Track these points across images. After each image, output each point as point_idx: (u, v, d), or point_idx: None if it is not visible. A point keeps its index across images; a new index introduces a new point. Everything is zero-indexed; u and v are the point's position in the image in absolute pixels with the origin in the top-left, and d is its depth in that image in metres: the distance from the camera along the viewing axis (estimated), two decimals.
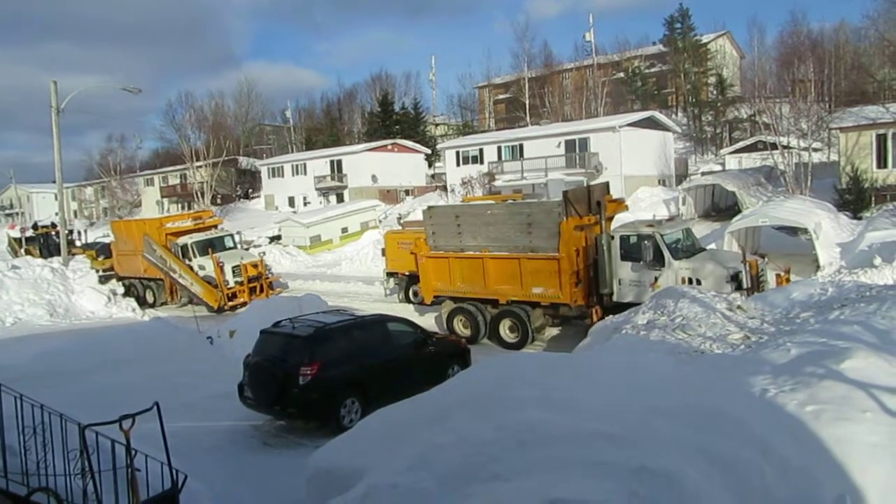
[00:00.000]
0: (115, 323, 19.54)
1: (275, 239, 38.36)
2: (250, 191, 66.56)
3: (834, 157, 35.68)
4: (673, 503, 4.41)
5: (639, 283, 14.84)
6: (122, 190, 70.35)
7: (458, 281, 16.69)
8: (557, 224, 14.84)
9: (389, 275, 22.54)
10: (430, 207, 17.88)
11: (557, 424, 5.56)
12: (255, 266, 23.57)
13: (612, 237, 15.33)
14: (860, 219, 25.90)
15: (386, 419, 7.21)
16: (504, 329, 16.16)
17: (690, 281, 14.29)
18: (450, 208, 18.56)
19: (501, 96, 78.28)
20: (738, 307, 10.87)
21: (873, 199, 28.29)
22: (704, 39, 69.26)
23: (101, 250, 33.93)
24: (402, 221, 24.96)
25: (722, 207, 33.96)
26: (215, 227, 26.13)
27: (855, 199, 28.32)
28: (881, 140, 29.53)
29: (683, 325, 10.11)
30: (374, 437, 6.79)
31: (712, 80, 64.64)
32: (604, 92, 62.80)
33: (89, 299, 22.03)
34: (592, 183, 17.97)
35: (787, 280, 14.68)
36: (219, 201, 59.61)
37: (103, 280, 27.62)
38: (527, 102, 64.44)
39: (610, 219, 15.74)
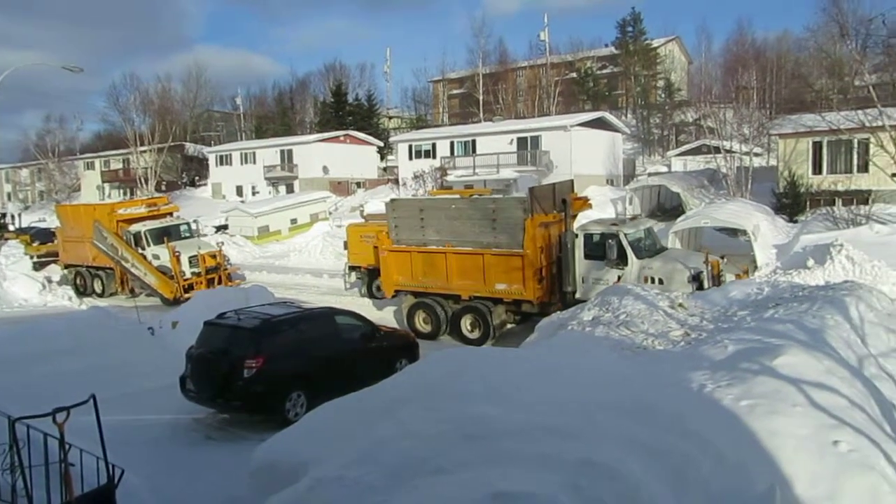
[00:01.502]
0: (49, 311, 18.87)
1: (221, 228, 37.58)
2: (197, 178, 64.95)
3: (773, 162, 36.96)
4: (614, 495, 4.52)
5: (602, 282, 14.91)
6: (61, 173, 67.79)
7: (420, 275, 16.49)
8: (522, 220, 14.79)
9: (352, 268, 22.08)
10: (393, 200, 17.65)
11: (503, 418, 5.62)
12: (213, 257, 22.79)
13: (577, 235, 15.41)
14: (796, 222, 26.93)
15: (332, 413, 7.17)
16: (465, 325, 16.06)
17: (653, 280, 14.50)
18: (414, 202, 18.23)
19: (455, 91, 78.36)
20: (680, 305, 11.16)
21: (808, 203, 29.45)
22: (655, 44, 70.78)
23: (36, 235, 32.63)
24: (364, 214, 24.62)
25: (667, 208, 34.82)
26: (171, 214, 25.16)
27: (792, 203, 29.42)
28: (817, 147, 30.74)
29: (627, 322, 10.33)
30: (319, 430, 6.74)
31: (661, 83, 66.28)
32: (556, 91, 63.57)
33: (22, 286, 21.21)
34: (556, 181, 18.02)
35: (746, 277, 15.06)
36: (163, 188, 57.98)
37: (38, 266, 26.59)
38: (481, 98, 64.69)
39: (574, 217, 15.81)
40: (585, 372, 7.42)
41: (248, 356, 10.40)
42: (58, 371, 12.22)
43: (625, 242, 14.91)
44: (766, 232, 21.97)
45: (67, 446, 5.52)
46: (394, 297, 17.72)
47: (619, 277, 14.71)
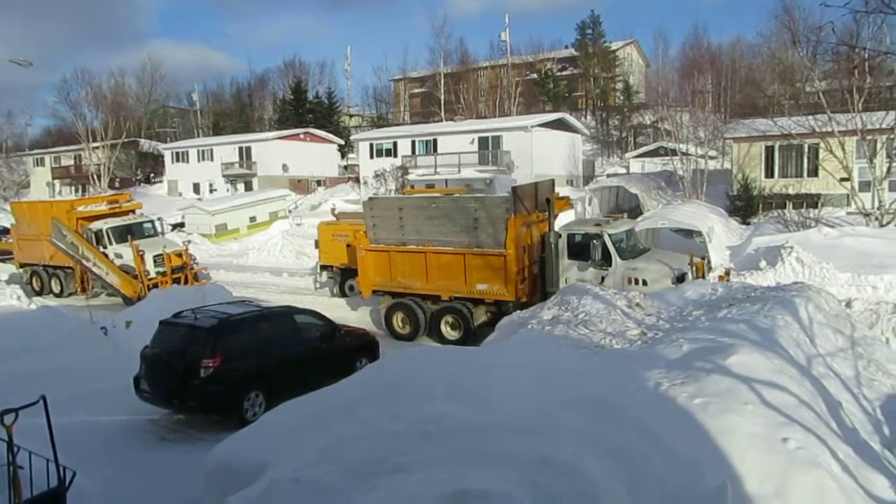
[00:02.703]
0: None
1: (178, 226, 36.83)
2: (152, 175, 63.53)
3: (727, 166, 37.89)
4: (571, 492, 4.58)
5: (585, 282, 14.36)
6: (9, 169, 65.55)
7: (399, 276, 16.17)
8: (505, 220, 14.59)
9: (323, 268, 21.73)
10: (371, 199, 17.28)
11: (463, 417, 5.65)
12: (179, 255, 22.02)
13: (560, 235, 15.26)
14: (748, 224, 27.66)
15: (291, 413, 7.10)
16: (445, 326, 15.83)
17: (637, 281, 14.46)
18: (393, 200, 17.70)
19: (417, 90, 78.30)
20: (637, 304, 11.36)
21: (761, 206, 30.29)
22: (613, 46, 71.88)
23: None
24: (336, 213, 24.28)
25: (625, 209, 35.35)
26: (133, 211, 24.33)
27: (745, 205, 30.22)
28: (769, 151, 31.64)
29: (586, 321, 10.46)
30: (277, 430, 6.67)
31: (620, 85, 67.25)
32: (517, 91, 64.06)
33: None
34: (538, 181, 17.85)
35: (727, 280, 15.05)
36: (117, 185, 56.54)
37: None
38: (442, 98, 64.79)
39: (555, 217, 15.61)
40: (545, 370, 7.49)
41: (204, 356, 10.23)
42: (6, 372, 11.83)
43: (609, 243, 14.81)
44: (720, 234, 22.49)
45: (16, 449, 5.36)
46: (365, 296, 17.40)
47: (603, 278, 14.60)
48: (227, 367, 10.30)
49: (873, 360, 9.83)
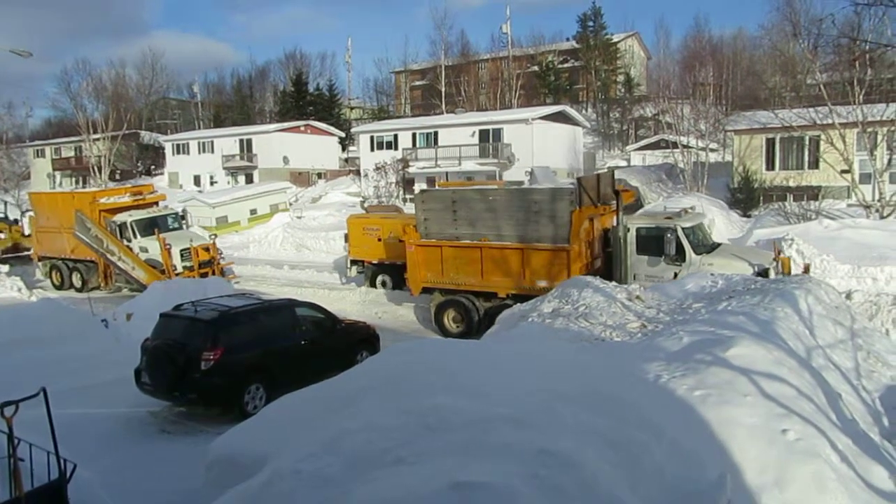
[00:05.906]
0: None
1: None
2: (153, 167, 63.48)
3: (728, 158, 37.84)
4: (571, 483, 4.58)
5: (656, 279, 13.95)
6: (9, 160, 65.43)
7: (452, 272, 15.53)
8: (569, 213, 13.93)
9: (353, 262, 21.30)
10: (422, 191, 16.75)
11: (463, 409, 5.65)
12: (206, 250, 21.29)
13: (628, 229, 14.53)
14: (749, 216, 27.66)
15: (291, 405, 7.11)
16: None
17: None
18: (446, 192, 16.79)
19: (418, 82, 78.11)
20: (637, 297, 11.34)
21: (761, 198, 30.28)
22: (615, 38, 71.65)
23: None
24: (365, 206, 24.01)
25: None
26: (156, 204, 23.74)
27: (745, 197, 30.22)
28: (770, 144, 31.62)
29: (586, 314, 10.45)
30: (278, 423, 6.69)
31: (621, 78, 67.09)
32: (518, 84, 63.91)
33: None
34: (598, 172, 17.24)
35: (808, 273, 14.38)
36: (118, 177, 56.55)
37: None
38: (443, 90, 64.60)
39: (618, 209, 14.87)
40: (545, 363, 7.50)
41: (205, 348, 10.24)
42: (6, 363, 11.86)
43: (682, 237, 14.11)
44: (721, 226, 22.48)
45: (16, 441, 5.36)
46: (415, 294, 16.87)
47: (676, 275, 13.81)
48: (227, 359, 10.30)
49: (873, 351, 9.84)
